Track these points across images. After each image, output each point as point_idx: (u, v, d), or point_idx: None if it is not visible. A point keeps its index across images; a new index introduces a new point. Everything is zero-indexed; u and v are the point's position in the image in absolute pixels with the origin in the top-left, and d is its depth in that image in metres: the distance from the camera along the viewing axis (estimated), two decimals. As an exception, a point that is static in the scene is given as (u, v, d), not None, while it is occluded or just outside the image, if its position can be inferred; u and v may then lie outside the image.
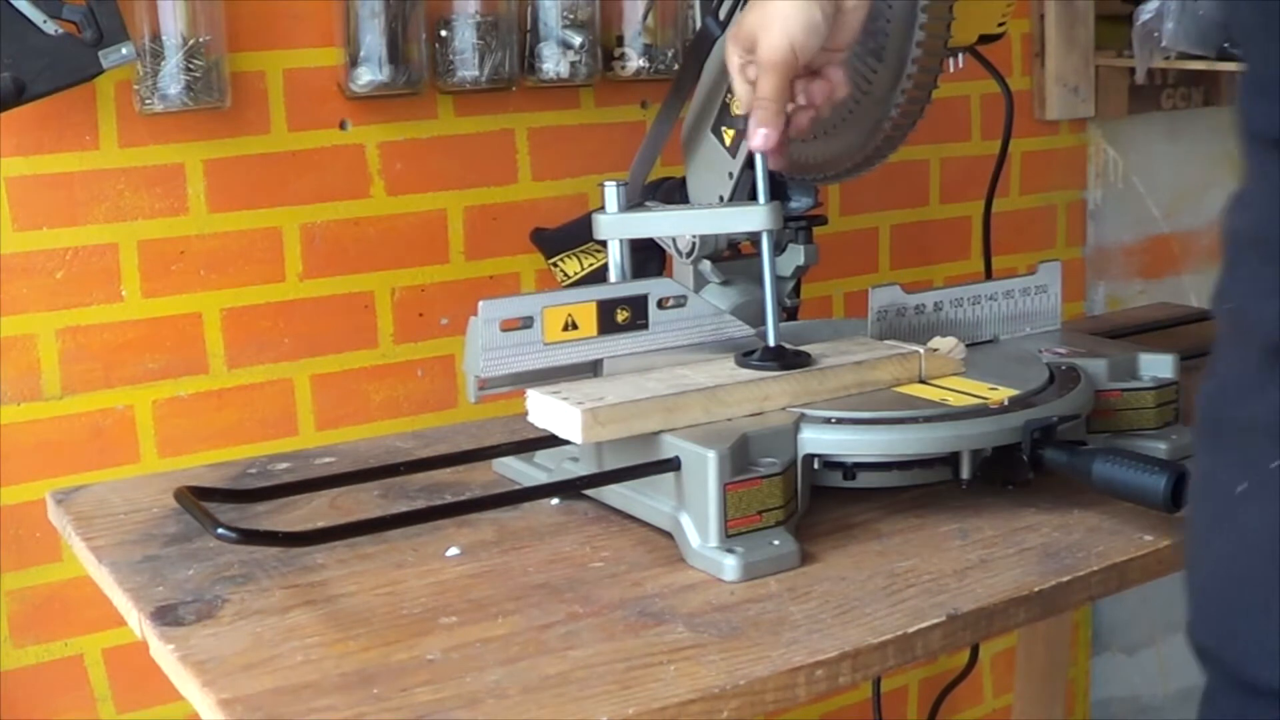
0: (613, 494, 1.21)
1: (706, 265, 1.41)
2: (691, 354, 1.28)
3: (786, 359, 1.23)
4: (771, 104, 1.19)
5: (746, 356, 1.25)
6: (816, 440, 1.17)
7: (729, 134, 1.36)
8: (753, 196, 1.27)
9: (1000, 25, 1.45)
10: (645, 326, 1.27)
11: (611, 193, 1.32)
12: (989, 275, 1.78)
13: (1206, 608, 0.72)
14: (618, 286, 1.29)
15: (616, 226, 1.32)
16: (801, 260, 1.42)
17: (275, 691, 0.93)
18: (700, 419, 1.17)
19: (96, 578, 1.18)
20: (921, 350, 1.29)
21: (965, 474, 1.21)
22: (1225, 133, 2.48)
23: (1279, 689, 0.68)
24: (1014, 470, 1.20)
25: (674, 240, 1.41)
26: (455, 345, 1.76)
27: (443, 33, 1.69)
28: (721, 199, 1.38)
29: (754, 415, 1.19)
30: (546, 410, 1.17)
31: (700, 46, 1.37)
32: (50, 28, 1.41)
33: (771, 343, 1.24)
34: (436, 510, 1.19)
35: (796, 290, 1.49)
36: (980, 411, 1.20)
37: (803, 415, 1.19)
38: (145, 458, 1.63)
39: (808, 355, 1.25)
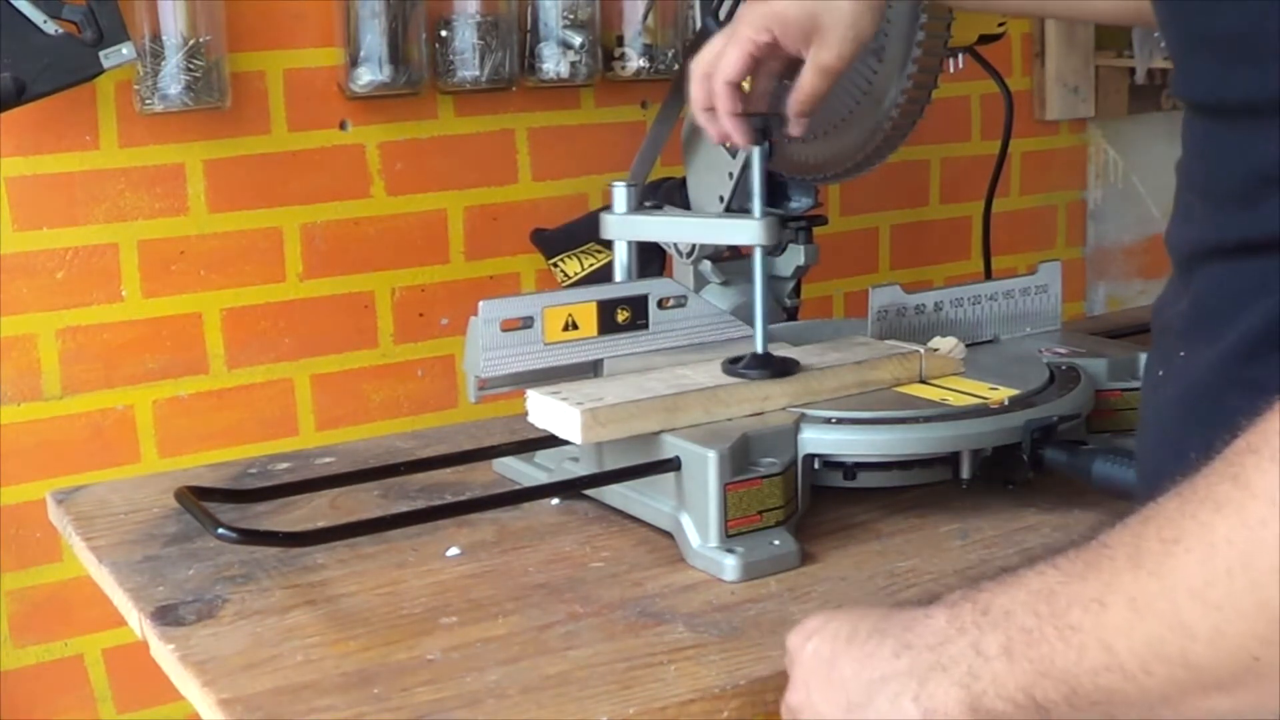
0: (613, 494, 1.20)
1: (707, 265, 1.41)
2: (691, 354, 1.28)
3: (774, 366, 1.22)
4: (818, 102, 1.17)
5: (734, 364, 1.22)
6: (817, 440, 1.17)
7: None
8: (755, 198, 1.27)
9: (1000, 25, 1.45)
10: (645, 326, 1.26)
11: (620, 194, 1.31)
12: (989, 275, 1.78)
13: (1143, 466, 0.87)
14: (618, 286, 1.29)
15: (624, 227, 1.32)
16: (801, 260, 1.41)
17: (275, 691, 0.93)
18: (700, 419, 1.17)
19: (97, 578, 1.18)
20: (921, 350, 1.29)
21: (965, 474, 1.20)
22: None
23: None
24: (1014, 470, 1.20)
25: (674, 241, 1.41)
26: (455, 345, 1.76)
27: (443, 33, 1.69)
28: (721, 199, 1.38)
29: (754, 415, 1.19)
30: (546, 410, 1.17)
31: (700, 46, 1.37)
32: (50, 28, 1.41)
33: (760, 350, 1.23)
34: (436, 510, 1.19)
35: (796, 290, 1.49)
36: (980, 411, 1.20)
37: (803, 415, 1.18)
38: (145, 458, 1.63)
39: (795, 362, 1.24)
